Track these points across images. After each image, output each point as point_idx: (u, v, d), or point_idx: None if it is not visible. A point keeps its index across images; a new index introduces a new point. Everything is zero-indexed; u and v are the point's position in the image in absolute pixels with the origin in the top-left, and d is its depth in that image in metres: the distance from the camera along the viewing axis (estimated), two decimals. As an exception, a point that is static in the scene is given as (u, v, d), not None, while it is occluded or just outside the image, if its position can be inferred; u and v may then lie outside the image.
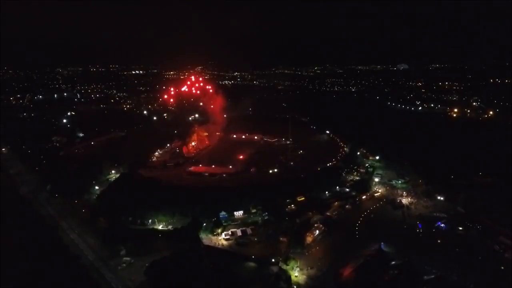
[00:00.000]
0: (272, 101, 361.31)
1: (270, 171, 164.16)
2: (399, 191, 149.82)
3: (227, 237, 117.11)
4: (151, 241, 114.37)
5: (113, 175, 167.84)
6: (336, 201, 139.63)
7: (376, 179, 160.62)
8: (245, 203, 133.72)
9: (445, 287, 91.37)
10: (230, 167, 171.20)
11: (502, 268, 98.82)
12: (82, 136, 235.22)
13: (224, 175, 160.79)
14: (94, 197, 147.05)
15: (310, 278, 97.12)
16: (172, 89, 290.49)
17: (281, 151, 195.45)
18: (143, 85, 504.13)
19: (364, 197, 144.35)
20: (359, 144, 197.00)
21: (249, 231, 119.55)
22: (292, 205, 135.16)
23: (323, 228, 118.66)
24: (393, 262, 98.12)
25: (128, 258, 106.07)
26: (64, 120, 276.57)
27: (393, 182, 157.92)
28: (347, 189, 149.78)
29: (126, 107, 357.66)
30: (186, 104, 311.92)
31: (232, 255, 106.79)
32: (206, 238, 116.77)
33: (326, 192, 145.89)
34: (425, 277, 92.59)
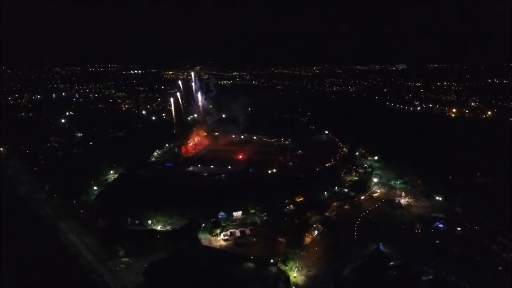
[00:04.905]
0: (271, 101, 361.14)
1: (269, 172, 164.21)
2: (398, 192, 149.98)
3: (226, 237, 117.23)
4: (150, 241, 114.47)
5: (112, 175, 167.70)
6: (334, 201, 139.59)
7: (375, 180, 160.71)
8: (244, 203, 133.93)
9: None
10: (229, 167, 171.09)
11: (500, 268, 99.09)
12: (81, 136, 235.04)
13: (223, 176, 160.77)
14: (93, 198, 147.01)
15: (308, 278, 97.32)
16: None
17: (280, 151, 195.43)
18: (142, 85, 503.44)
19: (362, 197, 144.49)
20: (357, 144, 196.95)
21: (247, 231, 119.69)
22: (291, 206, 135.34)
23: (321, 228, 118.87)
24: (391, 263, 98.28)
25: (126, 259, 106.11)
26: (63, 120, 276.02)
27: (392, 183, 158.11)
28: (346, 190, 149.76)
29: (124, 107, 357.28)
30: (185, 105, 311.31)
31: (231, 256, 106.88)
32: (205, 239, 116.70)
33: (325, 193, 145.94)
34: (424, 277, 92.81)
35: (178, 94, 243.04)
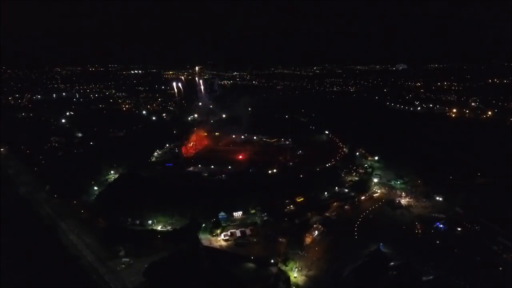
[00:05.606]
0: (271, 101, 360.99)
1: (269, 172, 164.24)
2: (398, 192, 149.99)
3: (226, 237, 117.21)
4: (150, 241, 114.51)
5: (112, 175, 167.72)
6: (335, 201, 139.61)
7: (375, 180, 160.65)
8: (244, 203, 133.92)
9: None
10: (230, 167, 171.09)
11: (501, 269, 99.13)
12: (81, 136, 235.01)
13: (223, 176, 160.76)
14: (93, 198, 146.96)
15: (309, 278, 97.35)
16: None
17: (280, 151, 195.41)
18: (142, 85, 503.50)
19: (363, 197, 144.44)
20: (358, 145, 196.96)
21: (248, 231, 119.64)
22: (291, 206, 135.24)
23: (322, 228, 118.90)
24: (391, 263, 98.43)
25: (127, 259, 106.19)
26: (63, 120, 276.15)
27: (392, 183, 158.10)
28: (346, 190, 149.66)
29: (125, 107, 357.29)
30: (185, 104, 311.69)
31: (231, 256, 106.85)
32: (205, 239, 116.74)
33: (325, 193, 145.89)
34: (424, 278, 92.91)
35: (180, 84, 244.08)
